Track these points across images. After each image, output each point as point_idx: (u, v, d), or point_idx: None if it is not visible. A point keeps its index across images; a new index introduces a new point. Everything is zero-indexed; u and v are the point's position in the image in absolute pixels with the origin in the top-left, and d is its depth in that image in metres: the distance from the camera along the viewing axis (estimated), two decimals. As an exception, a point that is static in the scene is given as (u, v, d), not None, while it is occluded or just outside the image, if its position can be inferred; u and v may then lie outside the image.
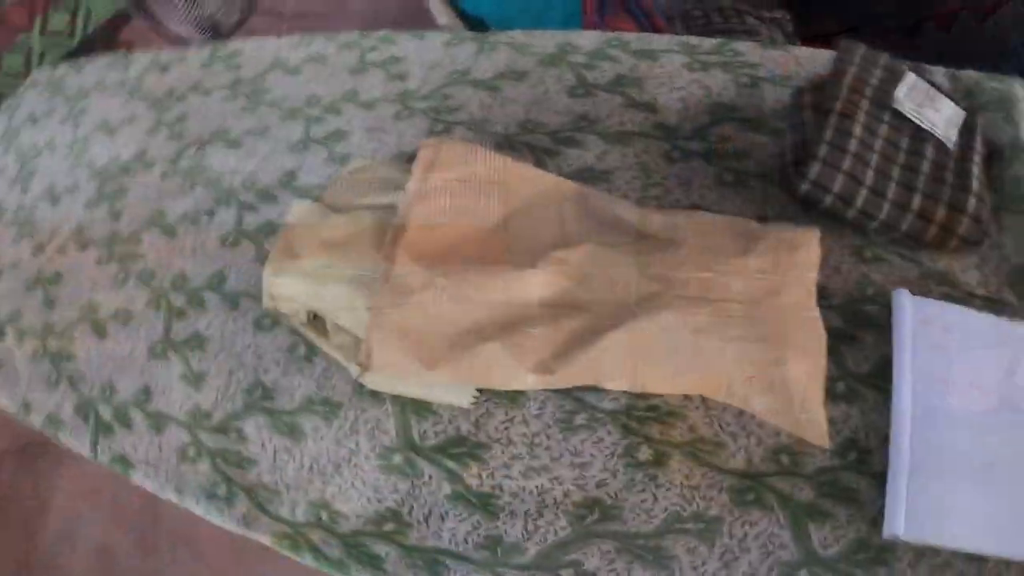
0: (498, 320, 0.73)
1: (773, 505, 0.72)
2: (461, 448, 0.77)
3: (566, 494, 0.74)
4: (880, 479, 0.71)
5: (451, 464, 0.76)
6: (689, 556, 0.71)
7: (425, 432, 0.78)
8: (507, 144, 0.95)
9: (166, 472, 0.84)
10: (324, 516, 0.77)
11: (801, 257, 0.77)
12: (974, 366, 0.76)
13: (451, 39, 1.05)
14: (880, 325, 0.79)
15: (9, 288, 1.07)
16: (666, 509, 0.72)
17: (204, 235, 0.97)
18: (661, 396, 0.76)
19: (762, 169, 0.90)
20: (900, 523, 0.68)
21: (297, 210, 0.87)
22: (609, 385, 0.74)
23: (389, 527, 0.75)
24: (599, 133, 0.94)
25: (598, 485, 0.74)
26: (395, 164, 0.89)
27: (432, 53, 1.04)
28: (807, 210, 0.84)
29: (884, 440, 0.73)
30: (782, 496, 0.72)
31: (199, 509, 0.82)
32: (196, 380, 0.87)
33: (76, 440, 0.90)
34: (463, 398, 0.77)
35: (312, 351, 0.84)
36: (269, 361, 0.86)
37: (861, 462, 0.73)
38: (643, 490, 0.73)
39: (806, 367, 0.72)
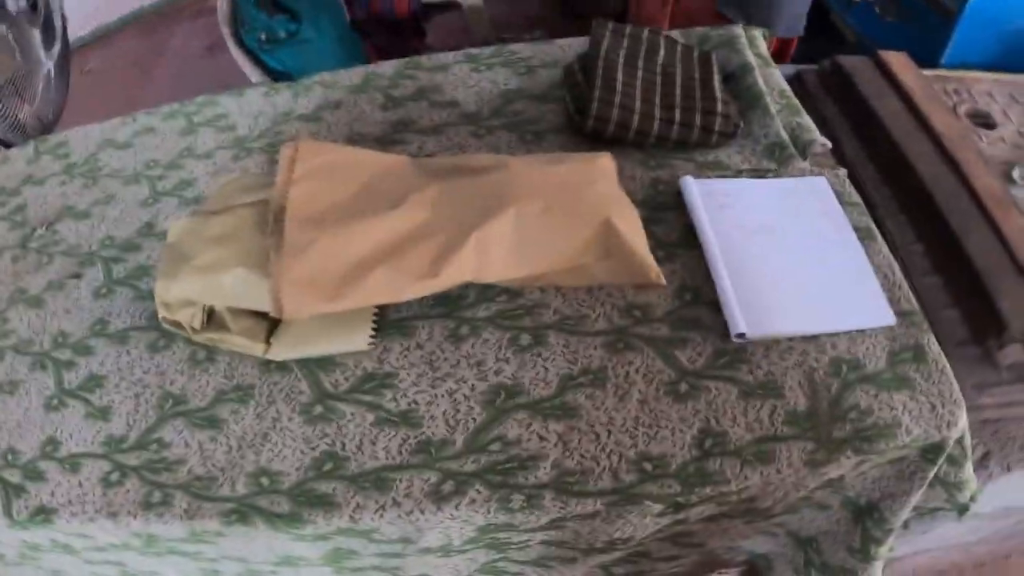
0: (378, 252, 0.85)
1: (641, 346, 0.88)
2: (372, 383, 0.86)
3: (472, 388, 0.85)
4: (715, 306, 0.91)
5: (367, 398, 0.85)
6: (589, 401, 0.85)
7: (336, 381, 0.87)
8: (340, 155, 1.08)
9: (93, 504, 0.84)
10: (265, 481, 0.82)
11: (602, 164, 0.97)
12: (751, 210, 1.00)
13: (268, 90, 1.19)
14: (675, 207, 1.00)
15: None
16: (558, 374, 0.86)
17: (75, 295, 0.99)
18: (524, 295, 0.91)
19: (553, 127, 1.11)
20: (741, 324, 0.87)
21: (175, 226, 0.94)
22: (482, 278, 0.87)
23: (328, 467, 0.82)
24: (415, 131, 1.11)
25: (496, 373, 0.86)
26: (259, 173, 1.00)
27: (254, 104, 1.17)
28: (596, 145, 1.05)
29: (706, 279, 0.93)
30: (644, 337, 0.89)
31: (138, 523, 0.83)
32: (103, 413, 0.89)
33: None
34: (360, 342, 0.87)
35: (212, 352, 0.91)
36: (172, 374, 0.90)
37: (695, 298, 0.92)
38: (534, 366, 0.87)
39: (630, 226, 0.91)
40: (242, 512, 0.81)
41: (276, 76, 1.45)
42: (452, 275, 0.86)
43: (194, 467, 0.84)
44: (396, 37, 1.33)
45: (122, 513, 0.83)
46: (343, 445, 0.83)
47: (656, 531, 0.90)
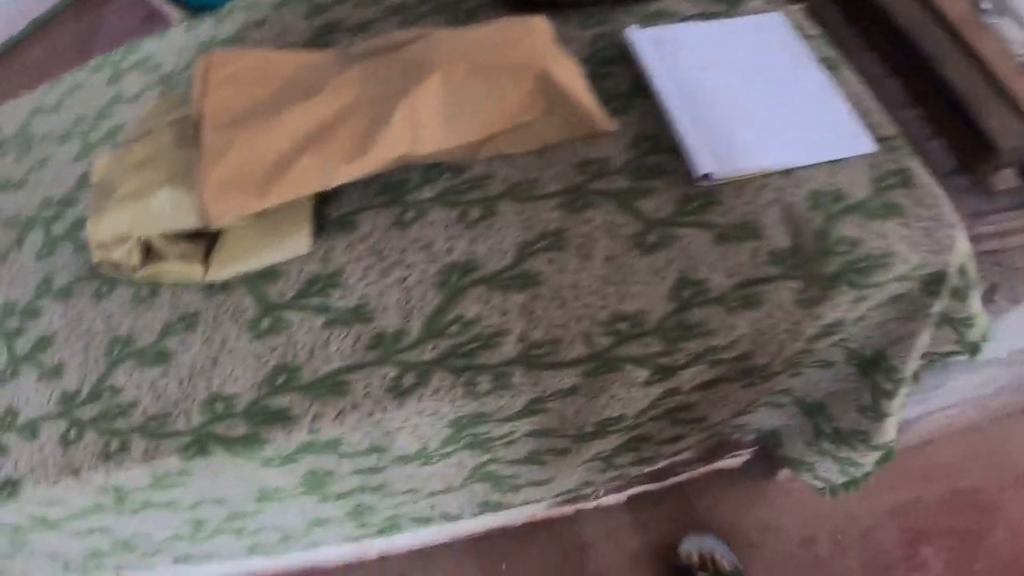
0: (303, 140, 0.75)
1: (600, 202, 0.77)
2: (318, 285, 0.77)
3: (424, 271, 0.75)
4: (676, 152, 0.78)
5: (315, 301, 0.76)
6: (551, 266, 0.74)
7: (281, 290, 0.78)
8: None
9: (55, 465, 0.77)
10: (219, 407, 0.73)
11: (533, 22, 0.85)
12: (704, 51, 0.87)
13: (189, 24, 1.09)
14: (622, 60, 0.88)
15: None
16: (513, 243, 0.75)
17: (18, 262, 0.92)
18: (471, 169, 0.81)
19: (485, 2, 0.98)
20: (705, 163, 0.75)
21: (99, 164, 0.85)
22: (418, 151, 0.77)
23: (281, 380, 0.73)
24: (342, 31, 1.00)
25: (447, 252, 0.76)
26: (176, 94, 0.91)
27: (177, 41, 1.08)
28: (531, 13, 0.93)
29: (664, 126, 0.81)
30: (603, 192, 0.77)
31: (100, 476, 0.76)
32: (55, 372, 0.82)
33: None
34: (301, 245, 0.78)
35: (155, 287, 0.82)
36: (119, 317, 0.82)
37: (655, 146, 0.80)
38: (487, 238, 0.76)
39: (568, 75, 0.79)
40: (199, 443, 0.73)
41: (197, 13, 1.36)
42: (384, 151, 0.75)
43: (147, 407, 0.76)
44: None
45: (83, 468, 0.76)
46: (294, 354, 0.74)
47: (650, 406, 0.80)
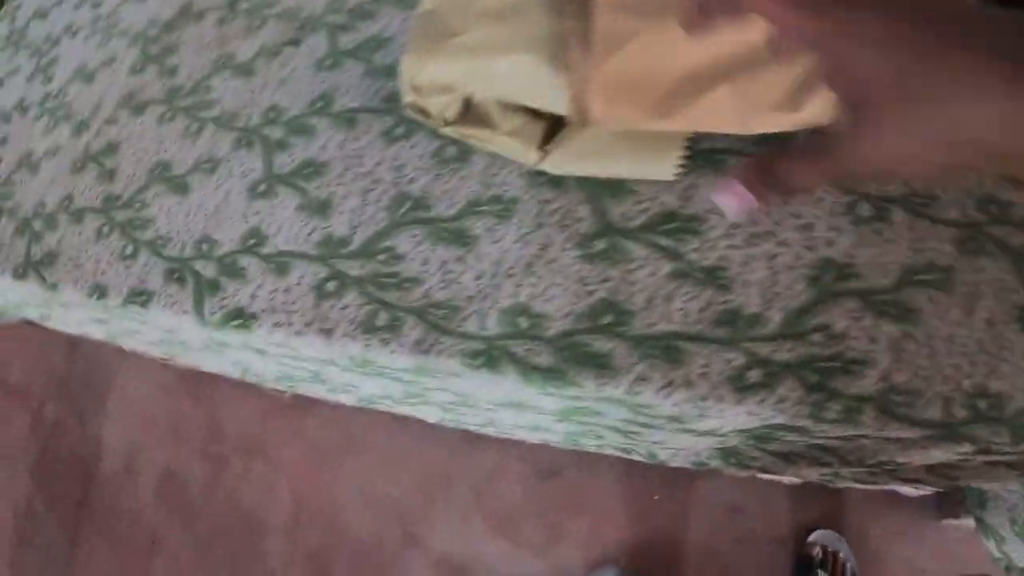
0: (725, 63, 0.61)
1: (995, 252, 0.64)
2: (672, 223, 0.65)
3: (797, 257, 0.63)
4: None
5: (665, 241, 0.64)
6: (932, 306, 0.62)
7: (626, 213, 0.66)
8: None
9: (303, 315, 0.67)
10: (524, 323, 0.63)
11: None
12: None
13: None
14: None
15: (51, 177, 0.86)
16: (899, 262, 0.63)
17: (292, 65, 0.79)
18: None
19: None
20: None
21: (435, -11, 0.72)
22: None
23: (607, 319, 0.62)
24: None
25: (827, 244, 0.64)
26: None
27: None
28: None
29: None
30: (1000, 243, 0.65)
31: (356, 347, 0.65)
32: (321, 208, 0.70)
33: (172, 308, 0.71)
34: (665, 170, 0.65)
35: (466, 151, 0.70)
36: (413, 170, 0.70)
37: (1063, 204, 0.67)
38: (872, 245, 0.64)
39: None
40: (490, 355, 0.62)
41: None
42: (817, 111, 0.61)
43: (433, 290, 0.65)
44: None
45: (337, 331, 0.66)
46: (629, 296, 0.63)
47: (936, 463, 0.71)
